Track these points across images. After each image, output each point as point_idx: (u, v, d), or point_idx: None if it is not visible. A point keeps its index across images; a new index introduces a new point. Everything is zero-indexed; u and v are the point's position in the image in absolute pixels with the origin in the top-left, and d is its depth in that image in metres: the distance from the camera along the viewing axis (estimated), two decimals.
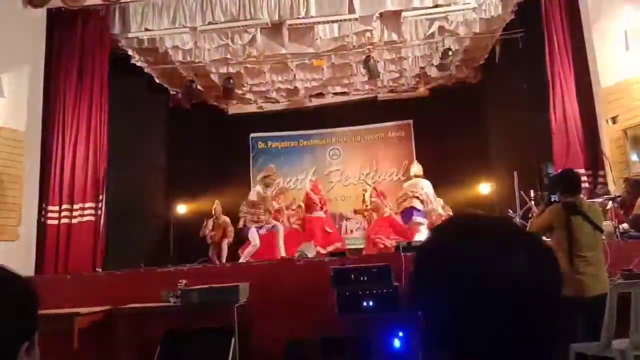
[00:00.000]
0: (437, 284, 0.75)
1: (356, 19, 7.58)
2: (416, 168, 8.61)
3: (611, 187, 6.27)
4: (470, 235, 0.77)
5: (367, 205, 9.21)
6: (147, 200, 9.26)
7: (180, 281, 4.96)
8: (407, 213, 8.06)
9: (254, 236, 7.85)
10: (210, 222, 9.00)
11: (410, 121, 11.07)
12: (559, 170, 5.56)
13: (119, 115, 7.73)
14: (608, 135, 6.50)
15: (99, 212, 6.98)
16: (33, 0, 6.79)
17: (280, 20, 7.55)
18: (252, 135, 11.40)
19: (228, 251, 8.88)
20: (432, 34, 8.26)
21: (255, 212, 7.90)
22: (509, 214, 6.77)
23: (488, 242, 0.75)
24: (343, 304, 4.57)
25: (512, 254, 0.73)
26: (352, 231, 10.64)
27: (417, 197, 8.02)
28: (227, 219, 9.04)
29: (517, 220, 6.13)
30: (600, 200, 5.92)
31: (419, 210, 7.99)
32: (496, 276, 0.71)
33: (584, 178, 6.66)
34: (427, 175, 9.43)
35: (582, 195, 4.14)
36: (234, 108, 11.17)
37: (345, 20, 7.60)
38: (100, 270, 6.52)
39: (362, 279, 4.67)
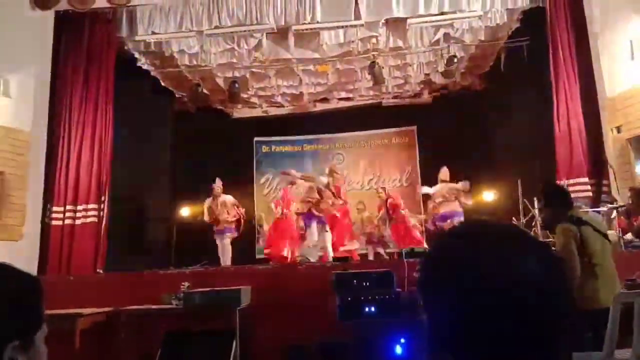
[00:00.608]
0: (443, 286, 0.76)
1: (362, 25, 7.61)
2: (442, 174, 8.79)
3: (615, 196, 6.26)
4: (476, 239, 0.78)
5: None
6: (150, 203, 9.28)
7: (183, 284, 4.97)
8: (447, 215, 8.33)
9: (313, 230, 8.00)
10: (207, 203, 8.68)
11: (414, 127, 11.07)
12: (546, 185, 5.50)
13: (124, 118, 7.76)
14: (612, 144, 6.49)
15: (102, 213, 6.99)
16: (41, 2, 6.84)
17: (286, 26, 7.59)
18: (256, 139, 11.41)
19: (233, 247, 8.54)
20: (438, 41, 8.28)
21: (312, 198, 8.04)
22: (513, 221, 6.75)
23: (495, 246, 0.76)
24: (344, 310, 4.57)
25: (519, 258, 0.74)
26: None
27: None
28: (230, 200, 8.68)
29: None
30: (604, 209, 5.91)
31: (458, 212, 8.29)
32: (502, 279, 0.72)
33: (587, 187, 6.65)
34: (429, 182, 9.45)
35: (580, 205, 4.08)
36: (238, 112, 11.19)
37: (350, 26, 7.63)
38: (101, 271, 6.53)
39: (364, 284, 4.66)
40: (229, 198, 8.75)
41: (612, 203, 6.00)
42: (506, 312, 0.70)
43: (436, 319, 0.78)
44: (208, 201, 8.70)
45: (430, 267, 0.81)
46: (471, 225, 0.85)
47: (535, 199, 6.49)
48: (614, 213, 5.88)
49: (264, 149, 11.52)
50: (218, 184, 8.81)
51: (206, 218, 8.61)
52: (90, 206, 6.97)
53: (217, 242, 8.54)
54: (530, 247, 0.77)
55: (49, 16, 7.03)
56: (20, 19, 6.63)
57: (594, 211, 6.24)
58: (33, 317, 1.00)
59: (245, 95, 10.10)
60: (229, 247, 8.52)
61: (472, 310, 0.72)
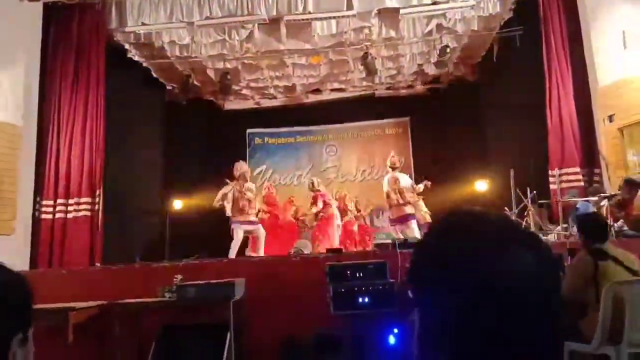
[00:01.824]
0: (434, 280, 0.74)
1: (354, 16, 7.57)
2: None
3: (607, 185, 6.30)
4: (471, 231, 0.76)
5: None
6: (142, 195, 9.23)
7: (176, 276, 4.95)
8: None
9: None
10: (229, 189, 7.65)
11: (408, 118, 11.09)
12: (584, 213, 5.14)
13: (114, 110, 7.69)
14: (604, 134, 6.52)
15: (96, 207, 6.95)
16: None
17: (278, 16, 7.53)
18: (248, 131, 11.39)
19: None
20: (430, 32, 8.26)
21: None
22: (505, 211, 6.78)
23: (489, 238, 0.74)
24: (338, 300, 4.57)
25: (516, 250, 0.72)
26: None
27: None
28: (250, 188, 7.65)
29: (514, 217, 6.14)
30: (594, 199, 5.95)
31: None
32: (497, 273, 0.70)
33: (579, 176, 6.69)
34: (423, 172, 9.46)
35: (608, 243, 3.59)
36: (230, 104, 11.15)
37: (343, 16, 7.59)
38: (99, 265, 6.51)
39: (357, 275, 4.67)
40: (252, 186, 7.85)
41: (601, 192, 6.01)
42: (500, 307, 0.69)
43: (427, 313, 0.75)
44: (231, 185, 7.69)
45: (421, 259, 0.79)
46: (465, 216, 0.81)
47: (528, 189, 6.52)
48: (604, 202, 5.91)
49: (257, 140, 11.50)
50: (245, 167, 7.96)
51: (227, 206, 7.55)
52: (83, 200, 6.93)
53: (235, 233, 7.49)
54: (525, 241, 0.75)
55: (37, 8, 6.93)
56: (8, 12, 6.53)
57: (584, 201, 6.31)
58: (29, 313, 1.04)
59: (237, 87, 10.05)
60: (262, 239, 7.68)
61: (465, 305, 0.70)
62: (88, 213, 6.91)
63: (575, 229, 5.87)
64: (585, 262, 3.42)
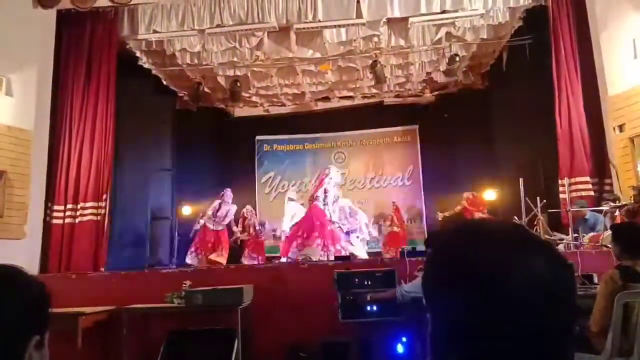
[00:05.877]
0: (448, 286, 0.75)
1: (363, 24, 7.59)
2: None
3: (618, 195, 6.24)
4: (486, 237, 0.77)
5: None
6: (151, 201, 9.28)
7: (184, 282, 4.97)
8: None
9: None
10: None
11: (416, 126, 11.07)
12: (622, 223, 4.86)
13: (125, 116, 7.76)
14: (615, 143, 6.48)
15: (104, 211, 6.99)
16: (43, 1, 6.85)
17: (287, 24, 7.57)
18: (257, 137, 11.43)
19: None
20: (439, 40, 8.26)
21: None
22: (515, 220, 6.73)
23: (504, 245, 0.75)
24: (346, 308, 4.57)
25: (529, 257, 0.73)
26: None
27: None
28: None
29: None
30: (607, 208, 5.90)
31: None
32: (509, 280, 0.71)
33: (589, 186, 6.64)
34: (431, 181, 9.45)
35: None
36: (240, 111, 11.20)
37: (352, 24, 7.62)
38: (102, 270, 6.53)
39: (366, 283, 4.66)
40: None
41: (614, 201, 5.97)
42: (512, 313, 0.70)
43: (441, 318, 0.76)
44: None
45: (434, 265, 0.80)
46: (477, 224, 0.83)
47: (537, 198, 6.47)
48: (617, 212, 5.86)
49: (266, 147, 11.53)
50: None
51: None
52: (92, 204, 6.96)
53: None
54: (537, 248, 0.76)
55: (51, 15, 7.03)
56: (22, 18, 6.63)
57: (594, 210, 6.26)
58: (46, 317, 1.07)
59: (246, 94, 10.10)
60: None
61: (477, 309, 0.71)
62: (95, 218, 6.94)
63: (586, 238, 5.83)
64: (614, 280, 3.23)
